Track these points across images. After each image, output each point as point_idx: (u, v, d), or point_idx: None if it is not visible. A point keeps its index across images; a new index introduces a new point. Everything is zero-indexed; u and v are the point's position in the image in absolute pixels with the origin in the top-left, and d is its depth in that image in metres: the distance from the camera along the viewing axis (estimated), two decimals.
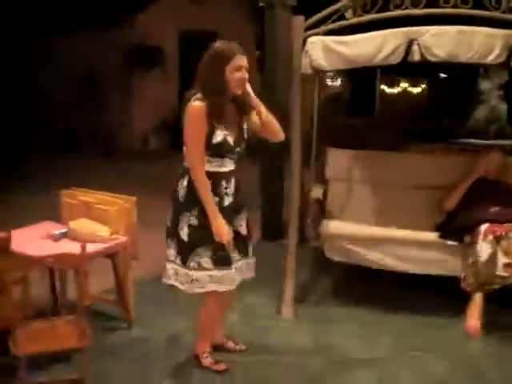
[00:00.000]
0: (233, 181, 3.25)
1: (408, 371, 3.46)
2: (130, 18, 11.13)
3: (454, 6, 4.02)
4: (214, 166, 3.16)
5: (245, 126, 3.29)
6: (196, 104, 3.07)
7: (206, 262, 3.15)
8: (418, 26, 3.98)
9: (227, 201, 3.21)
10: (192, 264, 3.16)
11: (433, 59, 3.89)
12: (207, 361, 3.47)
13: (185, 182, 3.18)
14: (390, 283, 4.64)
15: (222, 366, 3.45)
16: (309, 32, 4.33)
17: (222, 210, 3.17)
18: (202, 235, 3.14)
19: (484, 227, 4.03)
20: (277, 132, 3.36)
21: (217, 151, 3.13)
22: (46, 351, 3.07)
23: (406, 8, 4.14)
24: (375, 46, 3.93)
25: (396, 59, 3.94)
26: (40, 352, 3.03)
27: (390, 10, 4.18)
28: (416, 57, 3.90)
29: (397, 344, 3.81)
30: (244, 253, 3.37)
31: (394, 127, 11.29)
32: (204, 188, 3.11)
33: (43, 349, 3.04)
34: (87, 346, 3.07)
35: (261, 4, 5.47)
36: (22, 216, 4.29)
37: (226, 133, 3.15)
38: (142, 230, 4.05)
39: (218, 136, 3.11)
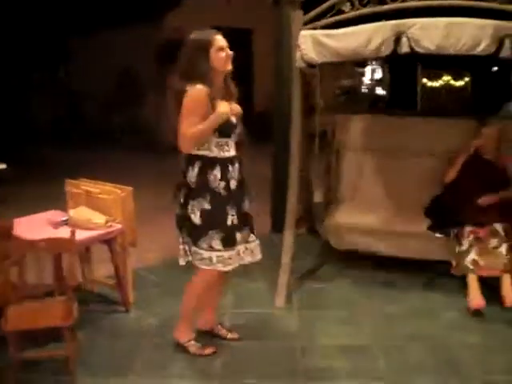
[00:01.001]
0: (236, 165, 3.38)
1: (385, 359, 3.53)
2: (165, 14, 11.36)
3: None
4: (221, 151, 3.29)
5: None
6: (198, 87, 3.16)
7: (216, 243, 3.29)
8: (414, 18, 4.03)
9: (233, 184, 3.34)
10: (203, 245, 3.30)
11: (421, 51, 3.93)
12: (194, 348, 3.57)
13: (196, 170, 3.29)
14: (391, 270, 4.78)
15: (209, 349, 3.58)
16: (307, 26, 4.43)
17: (230, 193, 3.32)
18: (214, 219, 3.28)
19: (468, 229, 4.31)
20: None
21: (224, 129, 3.25)
22: (34, 328, 3.29)
23: (404, 0, 4.18)
24: (363, 39, 3.97)
25: (385, 52, 3.97)
26: (28, 328, 3.25)
27: (387, 3, 4.23)
28: (405, 49, 3.93)
29: (380, 331, 3.89)
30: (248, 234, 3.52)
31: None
32: (199, 129, 3.17)
33: (31, 326, 3.26)
34: (71, 325, 3.27)
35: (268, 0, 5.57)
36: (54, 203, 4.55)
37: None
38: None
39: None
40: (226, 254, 3.32)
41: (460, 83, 16.57)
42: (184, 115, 3.18)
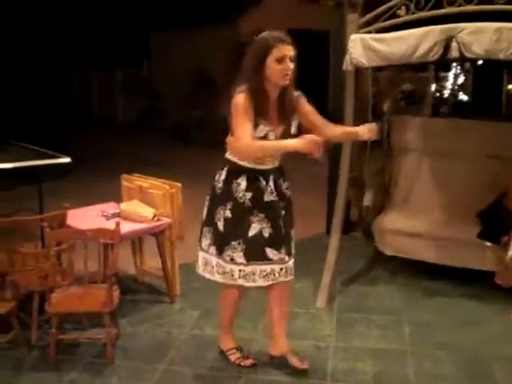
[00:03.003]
0: (271, 177, 3.19)
1: (415, 366, 3.51)
2: (241, 15, 11.55)
3: (509, 3, 3.95)
4: (251, 163, 3.13)
5: (294, 122, 3.19)
6: (240, 95, 2.99)
7: (239, 256, 3.14)
8: (464, 23, 3.97)
9: (267, 197, 3.15)
10: (226, 257, 3.17)
11: (471, 56, 3.87)
12: (234, 357, 3.51)
13: (223, 175, 3.17)
14: (438, 278, 4.72)
15: (249, 361, 3.49)
16: (363, 30, 4.45)
17: (263, 205, 3.14)
18: (235, 229, 3.13)
19: None
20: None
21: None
22: (75, 311, 3.53)
23: (460, 5, 4.12)
24: (412, 43, 3.96)
25: (434, 56, 3.95)
26: (69, 311, 3.49)
27: (443, 7, 4.18)
28: (454, 54, 3.89)
29: (417, 339, 3.85)
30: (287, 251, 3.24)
31: None
32: (262, 147, 3.05)
33: (72, 309, 3.51)
34: (112, 311, 3.47)
35: (330, 3, 5.59)
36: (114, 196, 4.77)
37: (269, 128, 3.07)
38: None
39: (261, 131, 3.05)
40: (248, 268, 3.15)
41: None
42: (236, 120, 3.00)
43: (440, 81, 14.47)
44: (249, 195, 3.12)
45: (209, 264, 3.31)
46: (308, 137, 2.92)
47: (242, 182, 3.13)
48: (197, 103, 12.56)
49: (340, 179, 4.63)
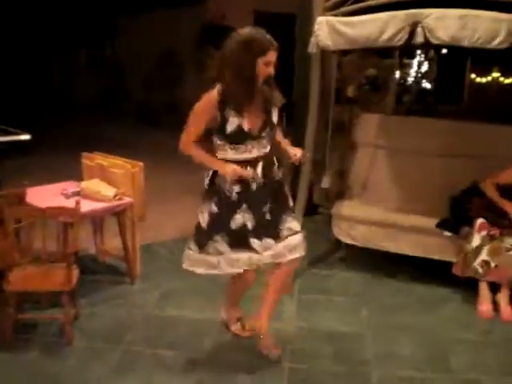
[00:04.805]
0: (260, 166, 3.18)
1: (373, 347, 3.56)
2: None
3: None
4: (236, 153, 3.13)
5: (273, 111, 3.22)
6: (209, 94, 3.05)
7: (223, 246, 3.17)
8: (429, 8, 3.99)
9: (254, 186, 3.17)
10: (210, 250, 3.20)
11: (436, 42, 3.89)
12: (234, 327, 3.65)
13: (210, 170, 3.21)
14: (393, 260, 4.78)
15: (246, 333, 3.62)
16: (329, 13, 4.44)
17: (249, 195, 3.16)
18: (221, 222, 3.16)
19: (481, 221, 4.11)
20: None
21: (233, 139, 3.10)
22: (33, 290, 3.48)
23: None
24: (378, 27, 3.97)
25: (399, 41, 3.97)
26: (27, 290, 3.43)
27: None
28: (419, 39, 3.91)
29: (375, 320, 3.92)
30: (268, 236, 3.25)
31: (484, 115, 10.84)
32: (199, 156, 3.16)
33: (30, 288, 3.45)
34: (71, 290, 3.42)
35: None
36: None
37: (241, 119, 3.08)
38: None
39: (232, 123, 3.06)
40: (233, 255, 3.18)
41: (510, 80, 16.13)
42: (188, 120, 3.12)
43: (404, 68, 14.60)
44: (236, 188, 3.15)
45: (192, 259, 3.28)
46: (235, 168, 3.05)
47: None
48: (160, 84, 12.44)
49: (304, 164, 4.62)
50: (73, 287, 3.44)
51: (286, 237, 3.27)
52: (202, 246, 3.21)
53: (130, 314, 3.87)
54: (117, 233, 4.29)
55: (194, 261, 3.26)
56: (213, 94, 3.05)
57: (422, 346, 3.58)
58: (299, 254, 3.31)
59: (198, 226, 3.24)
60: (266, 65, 3.02)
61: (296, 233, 3.30)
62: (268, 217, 3.23)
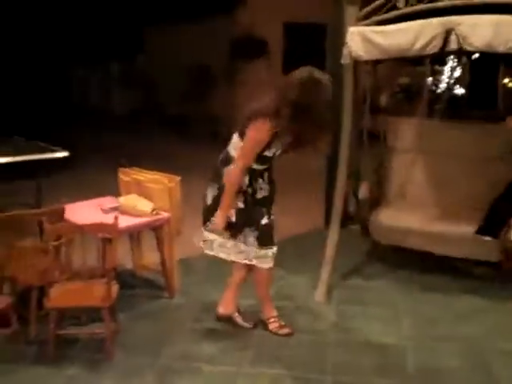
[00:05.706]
0: (266, 175, 3.62)
1: (415, 358, 3.51)
2: (237, 7, 11.47)
3: None
4: (259, 166, 3.53)
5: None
6: (266, 123, 3.33)
7: (252, 241, 3.59)
8: (462, 16, 3.94)
9: (260, 194, 3.60)
10: (241, 240, 3.58)
11: (470, 49, 3.85)
12: (273, 325, 3.82)
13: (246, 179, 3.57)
14: (430, 270, 4.76)
15: (286, 330, 3.81)
16: (361, 23, 4.42)
17: (257, 201, 3.59)
18: (248, 217, 3.56)
19: None
20: None
21: (263, 161, 3.51)
22: (73, 307, 3.52)
23: None
24: (411, 36, 3.93)
25: (433, 49, 3.93)
26: (67, 307, 3.48)
27: (442, 0, 4.15)
28: (453, 46, 3.87)
29: (417, 332, 3.86)
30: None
31: None
32: (235, 186, 3.47)
33: (71, 304, 3.49)
34: (110, 306, 3.45)
35: None
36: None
37: (279, 148, 3.49)
38: None
39: (271, 150, 3.46)
40: (261, 251, 3.61)
41: None
42: (250, 141, 3.40)
43: (436, 75, 14.46)
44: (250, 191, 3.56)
45: (225, 246, 3.64)
46: (220, 223, 3.50)
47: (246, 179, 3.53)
48: (193, 97, 12.52)
49: (339, 172, 4.61)
50: (113, 303, 3.48)
51: None
52: (234, 236, 3.60)
53: (170, 329, 3.88)
54: (154, 247, 4.32)
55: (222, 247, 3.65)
56: (271, 124, 3.33)
57: (465, 357, 3.52)
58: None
59: (229, 221, 3.58)
60: None
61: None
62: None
